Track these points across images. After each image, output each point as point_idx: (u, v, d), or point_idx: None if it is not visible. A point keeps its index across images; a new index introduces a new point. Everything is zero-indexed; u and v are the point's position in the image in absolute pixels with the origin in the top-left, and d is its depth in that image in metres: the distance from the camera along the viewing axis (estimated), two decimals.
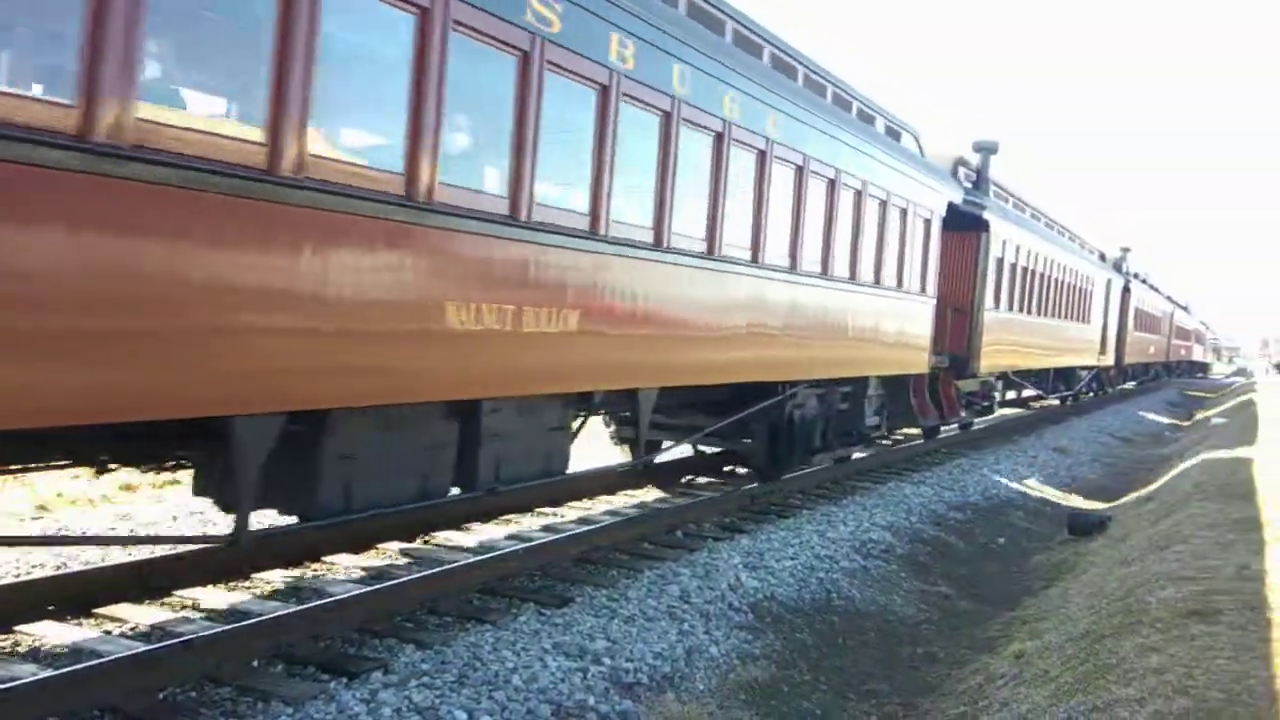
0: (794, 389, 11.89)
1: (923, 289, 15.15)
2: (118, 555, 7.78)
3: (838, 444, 13.69)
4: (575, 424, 9.04)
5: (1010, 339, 20.23)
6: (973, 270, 18.10)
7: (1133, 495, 16.07)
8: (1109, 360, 32.81)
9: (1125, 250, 37.70)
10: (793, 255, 11.05)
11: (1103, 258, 33.46)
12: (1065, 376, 29.00)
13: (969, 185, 18.20)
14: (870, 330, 13.31)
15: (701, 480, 13.23)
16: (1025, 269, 21.05)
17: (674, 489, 12.42)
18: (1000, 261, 19.13)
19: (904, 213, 14.07)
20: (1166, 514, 12.34)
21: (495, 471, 7.59)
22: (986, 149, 19.46)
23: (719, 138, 9.45)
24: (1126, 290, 35.40)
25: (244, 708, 5.36)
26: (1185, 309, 62.52)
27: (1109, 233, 38.74)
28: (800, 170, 10.99)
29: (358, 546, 8.51)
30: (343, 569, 8.05)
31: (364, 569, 8.08)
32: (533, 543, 8.77)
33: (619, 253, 8.17)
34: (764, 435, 11.92)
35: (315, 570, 7.99)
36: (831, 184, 11.75)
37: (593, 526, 9.60)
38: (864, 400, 14.05)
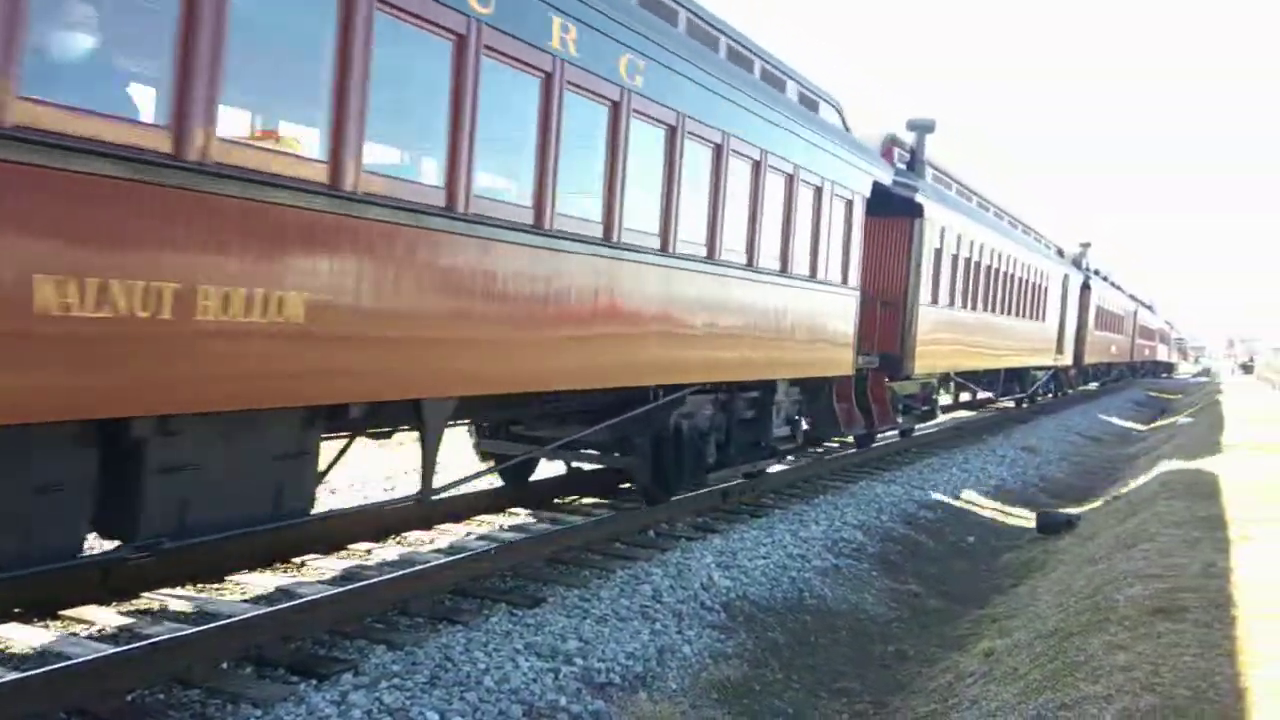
0: (677, 395, 10.06)
1: (844, 279, 13.25)
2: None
3: (741, 458, 11.88)
4: (339, 447, 7.54)
5: (951, 337, 18.60)
6: (906, 260, 16.35)
7: (1100, 494, 16.23)
8: (1067, 360, 31.46)
9: (1085, 246, 36.29)
10: (666, 234, 9.09)
11: (1060, 253, 32.05)
12: (1020, 377, 27.68)
13: (902, 166, 16.56)
14: (776, 327, 11.41)
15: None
16: (969, 260, 19.35)
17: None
18: (938, 252, 17.37)
19: (818, 191, 12.17)
20: (1133, 512, 12.47)
21: (177, 516, 5.57)
22: (922, 127, 17.64)
23: (548, 79, 7.43)
24: (1086, 287, 34.12)
25: (213, 710, 5.32)
26: (1150, 308, 62.74)
27: (1083, 235, 36.92)
28: (673, 130, 9.06)
29: (329, 548, 8.46)
30: (314, 570, 8.01)
31: (335, 569, 8.03)
32: (503, 543, 8.75)
33: (377, 218, 6.02)
34: (647, 450, 10.18)
35: (286, 570, 7.94)
36: (718, 150, 9.81)
37: (563, 526, 9.59)
38: (771, 408, 12.13)
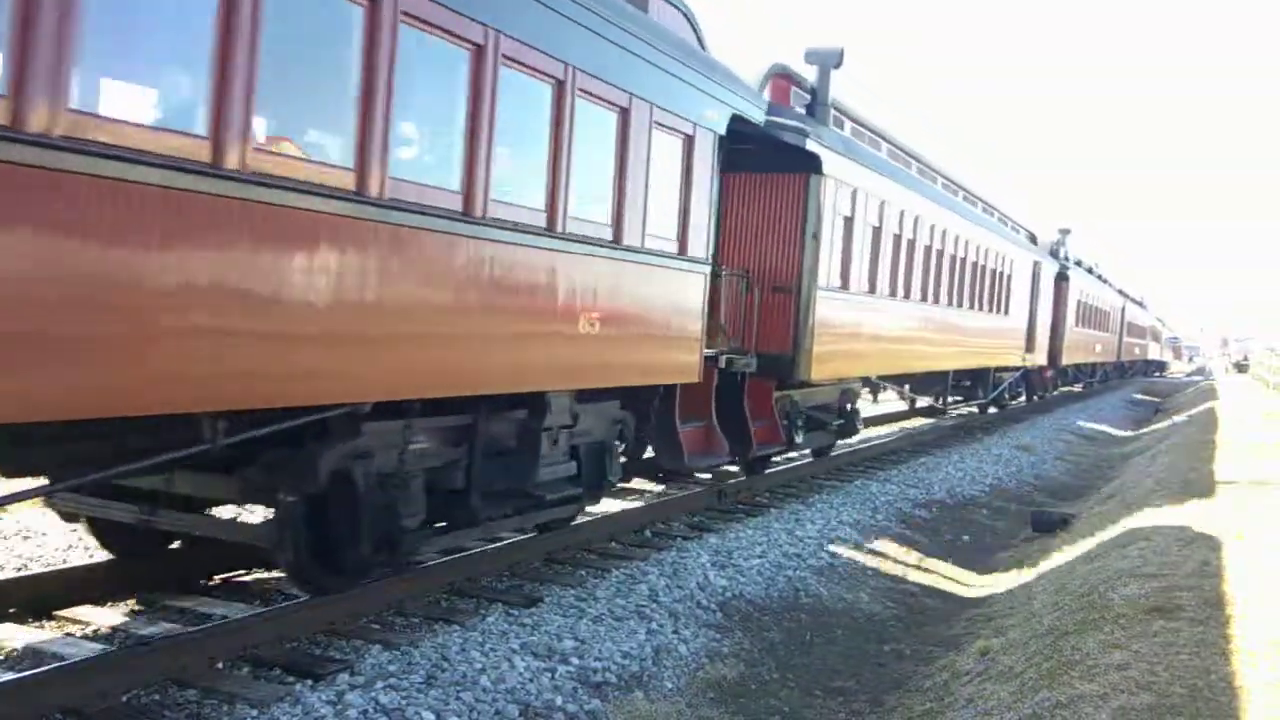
0: (334, 415, 6.20)
1: (681, 248, 9.49)
2: (78, 557, 7.70)
3: (498, 512, 8.10)
4: None
5: (871, 331, 14.55)
6: (799, 231, 12.25)
7: (1095, 492, 16.26)
8: (1040, 359, 27.79)
9: (1064, 232, 32.41)
10: (219, 136, 5.02)
11: (1033, 239, 28.20)
12: (980, 380, 23.65)
13: (800, 110, 12.73)
14: (535, 312, 7.56)
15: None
16: (898, 237, 15.26)
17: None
18: (849, 221, 13.25)
19: (624, 114, 8.39)
20: (1128, 510, 12.49)
21: None
22: (826, 59, 13.21)
23: None
24: (1063, 278, 30.36)
25: (209, 710, 5.31)
26: (1140, 304, 61.36)
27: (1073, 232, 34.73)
28: None
29: None
30: None
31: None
32: (501, 543, 8.74)
33: None
34: (298, 511, 6.39)
35: (280, 571, 7.92)
36: (374, 9, 5.78)
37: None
38: (539, 436, 8.17)
